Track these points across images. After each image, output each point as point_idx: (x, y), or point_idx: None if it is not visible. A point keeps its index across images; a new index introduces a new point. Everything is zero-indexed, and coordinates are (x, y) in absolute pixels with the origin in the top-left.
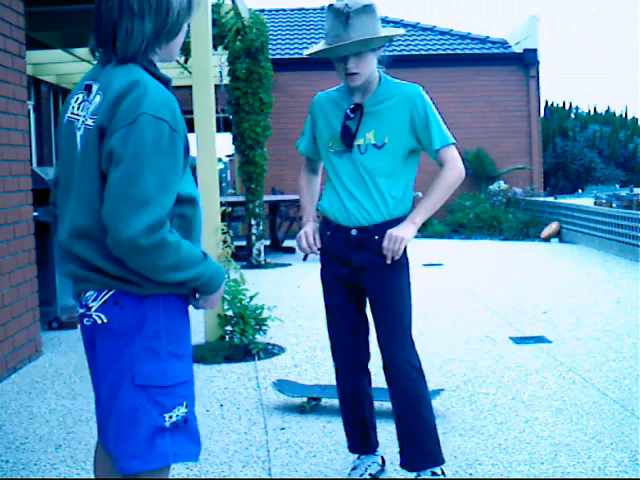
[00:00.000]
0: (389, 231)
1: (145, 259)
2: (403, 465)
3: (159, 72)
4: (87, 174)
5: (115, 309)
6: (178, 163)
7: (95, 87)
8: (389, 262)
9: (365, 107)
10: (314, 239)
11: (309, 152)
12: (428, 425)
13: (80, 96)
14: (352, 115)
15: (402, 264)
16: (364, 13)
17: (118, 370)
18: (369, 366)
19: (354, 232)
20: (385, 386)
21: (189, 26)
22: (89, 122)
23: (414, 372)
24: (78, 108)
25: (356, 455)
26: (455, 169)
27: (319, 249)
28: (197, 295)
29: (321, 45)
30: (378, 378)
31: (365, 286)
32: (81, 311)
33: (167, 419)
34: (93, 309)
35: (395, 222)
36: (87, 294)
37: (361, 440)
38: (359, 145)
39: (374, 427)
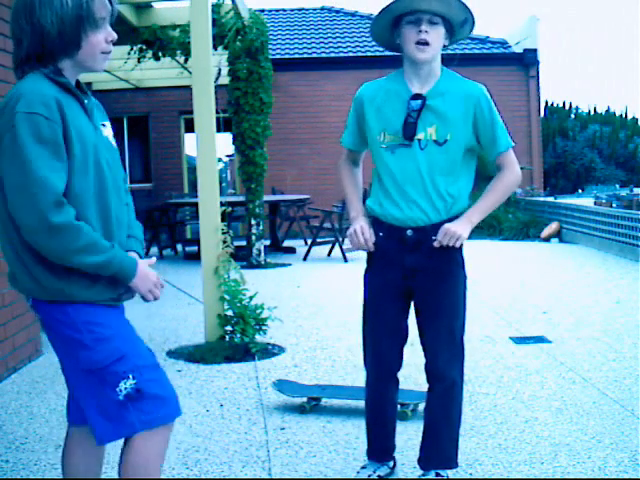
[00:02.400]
0: (445, 225)
1: (59, 241)
2: (420, 462)
3: (58, 78)
4: None
5: (38, 308)
6: (61, 149)
7: None
8: (440, 244)
9: (426, 98)
10: (370, 233)
11: (354, 145)
12: (455, 431)
13: None
14: (416, 107)
15: (459, 264)
16: None
17: (66, 359)
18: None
19: (409, 232)
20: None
21: (189, 26)
22: None
23: (458, 378)
24: None
25: (362, 457)
26: (515, 173)
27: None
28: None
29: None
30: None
31: (417, 289)
32: None
33: (119, 392)
34: (30, 306)
35: (451, 221)
36: None
37: (381, 447)
38: (419, 140)
39: (394, 435)
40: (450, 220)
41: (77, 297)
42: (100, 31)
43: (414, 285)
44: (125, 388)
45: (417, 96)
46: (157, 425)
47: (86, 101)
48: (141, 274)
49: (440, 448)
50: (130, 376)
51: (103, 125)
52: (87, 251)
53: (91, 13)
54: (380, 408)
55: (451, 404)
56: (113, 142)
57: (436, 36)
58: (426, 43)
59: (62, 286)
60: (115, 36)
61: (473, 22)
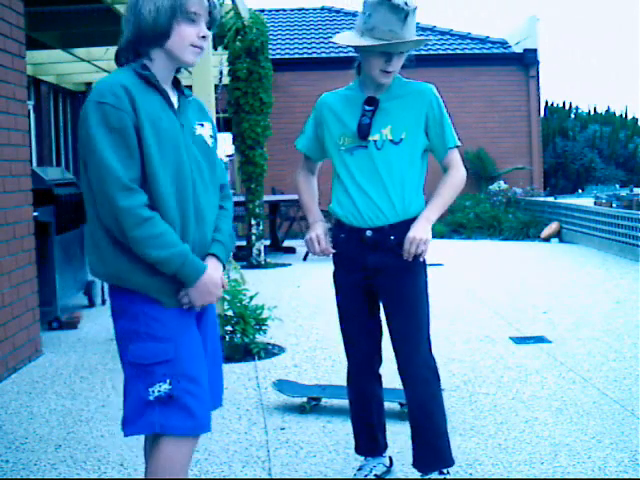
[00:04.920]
0: (409, 234)
1: (124, 224)
2: (415, 465)
3: (142, 72)
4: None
5: (110, 293)
6: (129, 138)
7: None
8: (411, 260)
9: (380, 101)
10: (326, 241)
11: (308, 150)
12: (440, 428)
13: None
14: (368, 108)
15: (419, 263)
16: (414, 14)
17: (118, 347)
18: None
19: (369, 233)
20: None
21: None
22: None
23: (430, 375)
24: None
25: (362, 457)
26: (462, 171)
27: (332, 249)
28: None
29: (364, 37)
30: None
31: (380, 288)
32: None
33: (151, 393)
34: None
35: (410, 222)
36: None
37: (369, 442)
38: (375, 140)
39: (383, 430)
40: (408, 220)
41: (135, 282)
42: (192, 25)
43: (377, 284)
44: (159, 391)
45: (371, 99)
46: (176, 433)
47: (175, 97)
48: (201, 285)
49: (434, 449)
50: (168, 381)
51: (201, 125)
52: (149, 242)
53: (184, 6)
54: (363, 404)
55: (431, 403)
56: (209, 141)
57: (400, 62)
58: (392, 72)
59: (125, 270)
60: (208, 34)
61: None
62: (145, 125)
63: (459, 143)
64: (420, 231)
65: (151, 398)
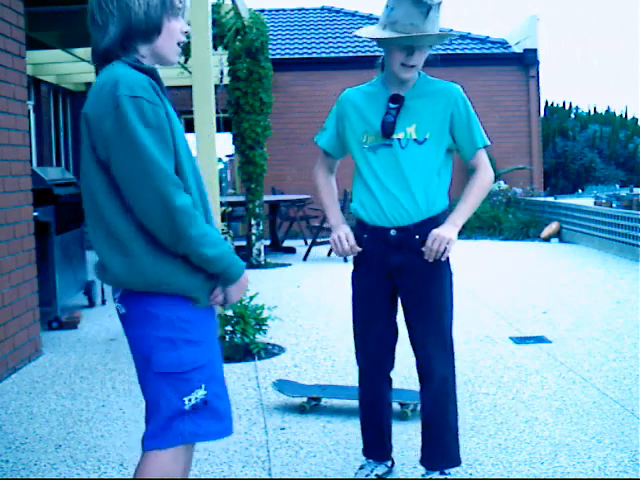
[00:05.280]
0: (433, 231)
1: (180, 224)
2: (423, 462)
3: (142, 65)
4: (86, 160)
5: (129, 300)
6: (166, 133)
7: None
8: (431, 261)
9: (405, 99)
10: (353, 241)
11: (330, 147)
12: (452, 427)
13: None
14: (393, 106)
15: (444, 263)
16: (439, 9)
17: (140, 358)
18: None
19: (393, 232)
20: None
21: (189, 25)
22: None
23: (448, 374)
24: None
25: (364, 457)
26: (489, 171)
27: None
28: (214, 292)
29: (386, 30)
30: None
31: (402, 287)
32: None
33: (187, 402)
34: (116, 300)
35: (434, 220)
36: None
37: (378, 447)
38: (399, 139)
39: (390, 433)
40: (432, 219)
41: (177, 285)
42: (178, 19)
43: (400, 284)
44: (196, 398)
45: (396, 96)
46: (206, 440)
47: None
48: (243, 281)
49: (443, 447)
50: (203, 386)
51: None
52: (202, 240)
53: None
54: (375, 408)
55: (445, 401)
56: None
57: (423, 58)
58: (414, 66)
59: (166, 274)
60: (189, 28)
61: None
62: (171, 119)
63: (488, 142)
64: (445, 231)
65: (187, 407)
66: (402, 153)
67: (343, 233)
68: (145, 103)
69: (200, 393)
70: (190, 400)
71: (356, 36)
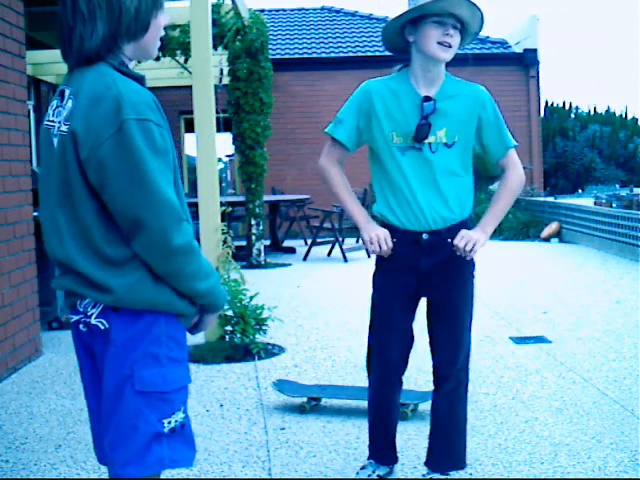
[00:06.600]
0: (462, 231)
1: (175, 263)
2: (428, 464)
3: (131, 71)
4: (70, 182)
5: (115, 315)
6: (170, 155)
7: (67, 92)
8: (458, 254)
9: (436, 101)
10: (391, 242)
11: (350, 142)
12: (462, 430)
13: (55, 102)
14: (429, 110)
15: (471, 267)
16: None
17: (120, 376)
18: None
19: (425, 236)
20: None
21: (189, 26)
22: (63, 128)
23: (463, 377)
24: (53, 114)
25: (362, 457)
26: (520, 171)
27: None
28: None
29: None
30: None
31: (430, 291)
32: (76, 318)
33: (166, 425)
34: (93, 316)
35: (464, 223)
36: (85, 301)
37: (387, 450)
38: (430, 143)
39: (395, 436)
40: (463, 221)
41: (175, 305)
42: (164, 13)
43: (428, 288)
44: (176, 421)
45: (428, 99)
46: (179, 467)
47: None
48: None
49: (451, 449)
50: (182, 409)
51: None
52: (196, 275)
53: None
54: (385, 410)
55: (458, 404)
56: None
57: (457, 41)
58: (450, 45)
59: (165, 295)
60: (169, 20)
61: (476, 35)
62: (170, 137)
63: (516, 143)
64: (475, 233)
65: (165, 430)
66: (433, 157)
67: (382, 233)
68: (153, 127)
69: (180, 416)
70: (170, 423)
71: (380, 25)
